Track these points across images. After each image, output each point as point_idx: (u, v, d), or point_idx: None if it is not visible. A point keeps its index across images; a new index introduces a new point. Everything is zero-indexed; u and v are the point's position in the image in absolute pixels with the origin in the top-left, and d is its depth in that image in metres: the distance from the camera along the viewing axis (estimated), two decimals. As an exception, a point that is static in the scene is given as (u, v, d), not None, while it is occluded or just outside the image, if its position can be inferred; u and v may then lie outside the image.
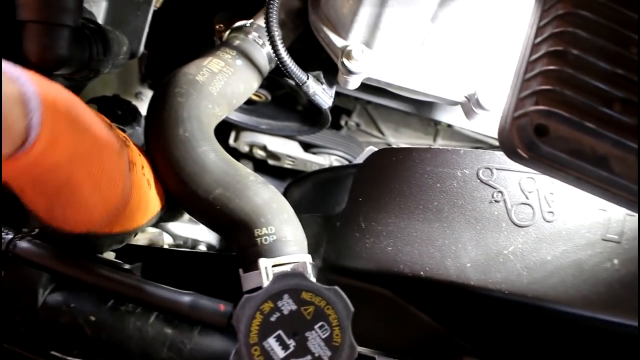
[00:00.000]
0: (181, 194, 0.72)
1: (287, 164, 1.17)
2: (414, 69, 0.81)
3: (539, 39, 0.59)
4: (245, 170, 0.73)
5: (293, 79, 0.80)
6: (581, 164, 0.54)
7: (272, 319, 0.60)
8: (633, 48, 0.57)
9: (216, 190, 0.71)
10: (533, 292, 0.66)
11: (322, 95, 0.83)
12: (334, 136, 1.14)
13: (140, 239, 1.01)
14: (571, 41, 0.56)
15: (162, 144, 0.72)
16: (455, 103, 0.85)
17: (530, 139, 0.54)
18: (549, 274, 0.67)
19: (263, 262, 0.68)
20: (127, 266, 0.71)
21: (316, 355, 0.60)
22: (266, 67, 0.83)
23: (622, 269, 0.66)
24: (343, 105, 1.13)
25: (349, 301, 0.62)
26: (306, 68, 0.85)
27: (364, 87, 0.87)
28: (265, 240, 0.70)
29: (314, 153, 1.16)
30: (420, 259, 0.71)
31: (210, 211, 0.72)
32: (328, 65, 0.84)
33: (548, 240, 0.67)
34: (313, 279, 0.71)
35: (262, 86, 1.03)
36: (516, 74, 0.59)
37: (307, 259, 0.72)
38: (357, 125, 1.14)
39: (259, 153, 1.15)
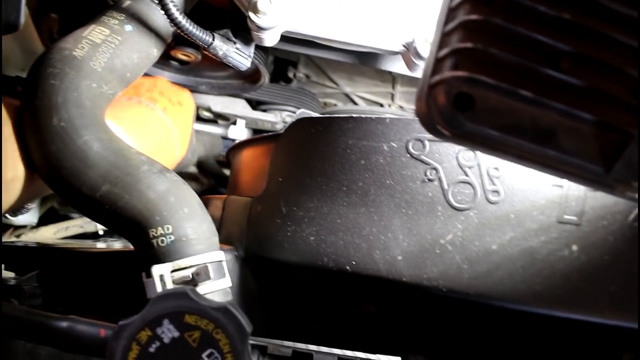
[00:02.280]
0: (64, 192, 0.58)
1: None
2: (338, 17, 0.64)
3: (462, -25, 0.40)
4: (138, 159, 0.58)
5: (195, 41, 0.63)
6: (519, 141, 0.38)
7: (152, 349, 0.47)
8: (586, -21, 0.39)
9: (103, 186, 0.56)
10: (476, 288, 0.52)
11: (236, 56, 0.66)
12: (283, 90, 0.97)
13: (70, 227, 0.88)
14: (500, -23, 0.39)
15: (36, 137, 0.57)
16: (394, 53, 0.67)
17: (451, 114, 0.37)
18: (494, 266, 0.52)
19: (157, 270, 0.55)
20: (12, 282, 0.59)
21: (206, 389, 0.47)
22: (167, 29, 0.66)
23: (582, 257, 0.50)
24: (286, 57, 0.95)
25: (243, 320, 0.48)
26: (217, 23, 0.67)
27: (292, 39, 0.70)
28: (162, 241, 0.56)
29: (264, 110, 1.00)
30: (345, 251, 0.56)
31: (99, 211, 0.57)
32: (242, 19, 0.67)
33: (493, 226, 0.52)
34: (226, 280, 0.58)
35: (188, 44, 0.86)
36: (438, 24, 0.42)
37: (216, 257, 0.58)
38: (307, 76, 0.97)
39: (205, 114, 1.00)
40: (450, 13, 0.40)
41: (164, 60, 0.89)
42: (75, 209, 0.60)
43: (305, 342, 0.61)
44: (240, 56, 0.67)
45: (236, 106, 0.98)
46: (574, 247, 0.50)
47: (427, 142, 0.54)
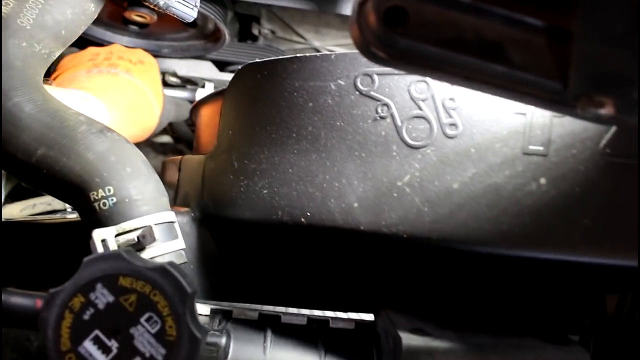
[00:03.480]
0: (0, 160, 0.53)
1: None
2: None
3: None
4: (76, 119, 0.53)
5: (131, -10, 0.57)
6: (463, 57, 0.32)
7: (86, 316, 0.43)
8: None
9: (38, 150, 0.51)
10: (438, 232, 0.46)
11: (180, 5, 0.61)
12: (250, 49, 0.91)
13: (38, 204, 0.84)
14: None
15: (-37, 102, 0.52)
16: (349, -9, 0.61)
17: (383, 32, 0.32)
18: (457, 207, 0.46)
19: (98, 234, 0.50)
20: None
21: (147, 355, 0.42)
22: (103, -20, 0.60)
23: (552, 190, 0.44)
24: (246, 12, 0.89)
25: (183, 280, 0.43)
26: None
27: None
28: (104, 204, 0.51)
29: (232, 71, 0.94)
30: (299, 202, 0.51)
31: (37, 177, 0.53)
32: (183, -34, 0.61)
33: (453, 163, 0.46)
34: (178, 242, 0.53)
35: (140, 5, 0.80)
36: None
37: (165, 217, 0.53)
38: (273, 32, 0.91)
39: (172, 80, 0.94)
40: None
41: (122, 25, 0.84)
42: (15, 177, 0.55)
43: (273, 303, 0.57)
44: (184, 6, 0.61)
45: (202, 68, 0.92)
46: (542, 180, 0.44)
47: (375, 77, 0.48)
